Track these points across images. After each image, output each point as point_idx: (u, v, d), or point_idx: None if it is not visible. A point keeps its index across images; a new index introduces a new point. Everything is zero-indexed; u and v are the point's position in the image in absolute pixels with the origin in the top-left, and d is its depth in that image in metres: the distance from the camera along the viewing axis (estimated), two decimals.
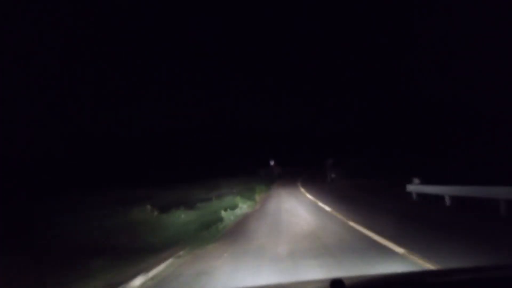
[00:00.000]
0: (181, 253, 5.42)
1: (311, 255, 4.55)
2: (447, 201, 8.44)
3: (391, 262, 3.89)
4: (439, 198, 8.79)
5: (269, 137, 70.74)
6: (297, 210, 10.38)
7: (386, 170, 22.70)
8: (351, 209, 9.08)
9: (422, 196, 10.05)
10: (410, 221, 6.91)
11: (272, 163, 36.31)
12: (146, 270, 4.39)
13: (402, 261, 3.90)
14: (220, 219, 8.60)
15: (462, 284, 1.25)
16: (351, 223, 6.76)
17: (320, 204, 11.40)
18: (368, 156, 34.00)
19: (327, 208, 9.94)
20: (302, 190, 19.45)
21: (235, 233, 7.30)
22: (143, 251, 5.77)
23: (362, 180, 22.81)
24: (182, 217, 9.27)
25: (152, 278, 4.26)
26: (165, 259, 5.02)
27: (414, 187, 10.38)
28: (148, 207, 9.64)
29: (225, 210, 9.55)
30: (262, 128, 75.87)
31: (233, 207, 10.41)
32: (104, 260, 5.03)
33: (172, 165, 40.53)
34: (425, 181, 10.33)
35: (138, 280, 4.02)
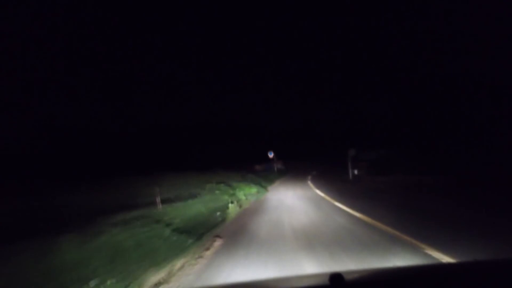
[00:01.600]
0: None
1: None
2: None
3: None
4: None
5: (269, 132, 61.98)
6: None
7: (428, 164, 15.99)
8: None
9: None
10: None
11: (271, 155, 27.62)
12: None
13: None
14: None
15: (464, 278, 1.18)
16: None
17: None
18: (390, 148, 25.77)
19: None
20: (328, 197, 10.93)
21: None
22: None
23: (407, 178, 15.10)
24: None
25: None
26: None
27: None
28: None
29: None
30: (263, 123, 67.25)
31: None
32: None
33: (142, 160, 32.23)
34: None
35: None
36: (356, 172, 21.61)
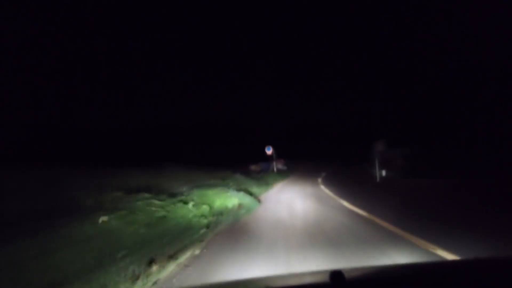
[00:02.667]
0: None
1: None
2: None
3: None
4: None
5: (270, 131, 56.02)
6: None
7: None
8: None
9: None
10: None
11: (269, 150, 21.66)
12: None
13: None
14: None
15: (465, 276, 1.13)
16: None
17: None
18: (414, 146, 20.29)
19: None
20: (393, 227, 5.14)
21: None
22: None
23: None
24: None
25: None
26: None
27: None
28: None
29: None
30: (263, 123, 61.31)
31: None
32: None
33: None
34: None
35: None
36: (383, 173, 15.99)
